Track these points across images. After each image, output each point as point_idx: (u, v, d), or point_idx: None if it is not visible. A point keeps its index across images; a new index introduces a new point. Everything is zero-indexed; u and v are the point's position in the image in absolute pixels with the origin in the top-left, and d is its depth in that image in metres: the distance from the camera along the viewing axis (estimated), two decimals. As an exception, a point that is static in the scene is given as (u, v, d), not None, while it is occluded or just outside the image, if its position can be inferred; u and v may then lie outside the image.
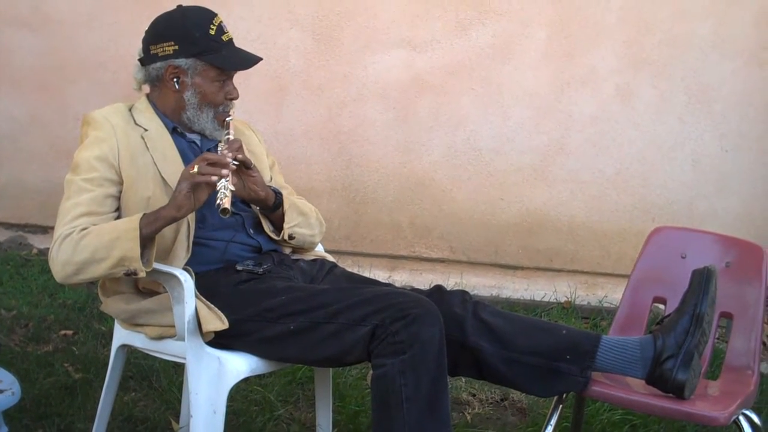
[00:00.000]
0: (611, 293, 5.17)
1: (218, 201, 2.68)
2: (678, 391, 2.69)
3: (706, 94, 5.30)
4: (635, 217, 5.42)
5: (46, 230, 5.62)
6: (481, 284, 5.38)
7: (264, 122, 5.41)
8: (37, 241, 5.67)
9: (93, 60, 5.63)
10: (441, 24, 5.40)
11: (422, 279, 5.24)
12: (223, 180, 2.70)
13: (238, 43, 3.06)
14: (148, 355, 3.08)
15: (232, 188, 2.73)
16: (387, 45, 5.45)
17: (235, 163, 2.82)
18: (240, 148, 2.90)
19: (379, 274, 5.20)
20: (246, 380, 3.58)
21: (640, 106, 5.37)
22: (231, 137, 2.94)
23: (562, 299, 5.26)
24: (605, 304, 5.13)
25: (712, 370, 3.46)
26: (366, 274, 4.07)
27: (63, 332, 4.42)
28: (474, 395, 4.00)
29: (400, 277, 5.35)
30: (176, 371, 3.84)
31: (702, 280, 2.76)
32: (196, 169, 2.69)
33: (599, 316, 5.03)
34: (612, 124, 5.39)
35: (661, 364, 2.70)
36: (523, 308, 5.08)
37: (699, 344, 2.71)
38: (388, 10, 5.42)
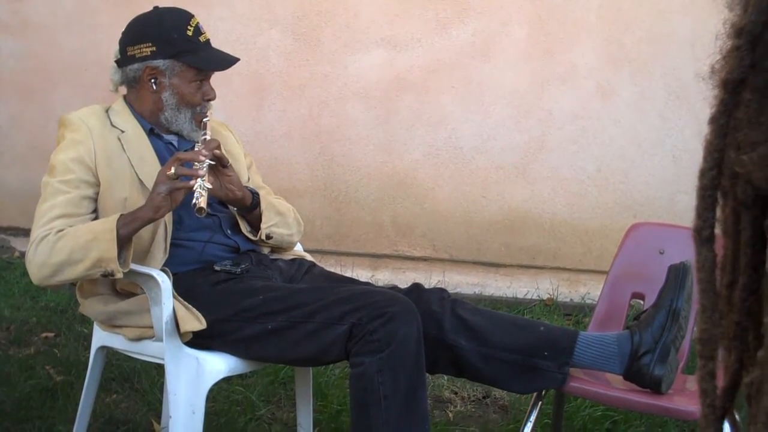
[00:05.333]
0: (593, 290, 5.18)
1: (194, 200, 2.68)
2: (655, 386, 2.71)
3: (685, 90, 5.32)
4: (616, 213, 5.43)
5: (28, 233, 5.58)
6: (464, 282, 5.39)
7: (245, 122, 5.41)
8: (18, 244, 5.66)
9: (73, 63, 5.62)
10: (421, 23, 5.41)
11: (405, 278, 5.24)
12: (199, 179, 2.70)
13: (218, 44, 3.07)
14: (129, 356, 3.09)
15: (209, 186, 2.73)
16: (367, 44, 5.45)
17: (212, 162, 2.82)
18: (217, 147, 2.90)
19: (362, 274, 5.21)
20: (228, 380, 3.60)
21: (621, 103, 5.38)
22: (208, 137, 2.95)
23: (545, 296, 5.28)
24: (587, 301, 5.15)
25: (693, 366, 3.47)
26: (348, 274, 4.09)
27: (45, 335, 4.42)
28: (456, 393, 4.00)
29: (383, 276, 5.35)
30: (158, 372, 3.84)
31: (678, 275, 2.78)
32: (172, 171, 2.69)
33: (581, 312, 5.04)
34: (593, 121, 5.41)
35: (638, 360, 2.71)
36: (506, 306, 5.09)
37: (675, 339, 2.72)
38: (368, 9, 5.42)
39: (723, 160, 0.93)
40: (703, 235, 0.95)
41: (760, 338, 0.91)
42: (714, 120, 0.92)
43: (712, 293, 0.95)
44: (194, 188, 2.70)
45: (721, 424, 0.98)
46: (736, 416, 2.74)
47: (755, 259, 0.93)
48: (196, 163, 2.76)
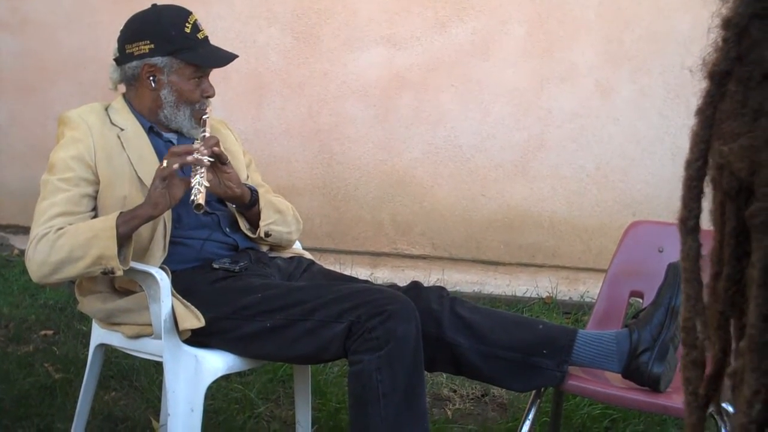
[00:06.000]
0: (593, 288, 5.18)
1: (192, 197, 2.68)
2: (654, 384, 2.71)
3: (685, 88, 5.31)
4: (616, 211, 5.43)
5: (27, 231, 5.58)
6: (463, 281, 5.39)
7: (244, 121, 5.41)
8: (18, 242, 5.66)
9: (73, 61, 5.62)
10: (420, 21, 5.41)
11: (404, 276, 5.24)
12: (197, 176, 2.71)
13: (217, 42, 3.07)
14: (128, 354, 3.09)
15: (207, 184, 2.73)
16: (366, 42, 5.45)
17: (211, 159, 2.82)
18: (216, 144, 2.90)
19: (361, 272, 5.20)
20: (226, 378, 3.60)
21: (620, 101, 5.38)
22: (207, 135, 2.95)
23: (544, 295, 5.27)
24: (587, 299, 5.15)
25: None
26: (348, 272, 4.08)
27: (44, 332, 4.42)
28: (455, 391, 4.00)
29: (382, 275, 5.35)
30: (157, 370, 3.83)
31: (677, 273, 2.77)
32: (165, 164, 2.70)
33: (581, 310, 5.04)
34: (592, 119, 5.41)
35: (637, 358, 2.71)
36: (505, 304, 5.08)
37: (674, 337, 2.72)
38: (367, 7, 5.42)
39: (709, 151, 0.94)
40: (688, 225, 0.96)
41: (743, 328, 0.92)
42: (700, 111, 0.93)
43: (696, 282, 0.96)
44: (192, 184, 2.70)
45: (704, 411, 0.99)
46: (728, 407, 2.75)
47: (739, 250, 0.94)
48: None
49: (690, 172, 0.95)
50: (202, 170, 2.74)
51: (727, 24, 0.91)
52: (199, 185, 2.70)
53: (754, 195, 0.90)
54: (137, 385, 3.83)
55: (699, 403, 0.98)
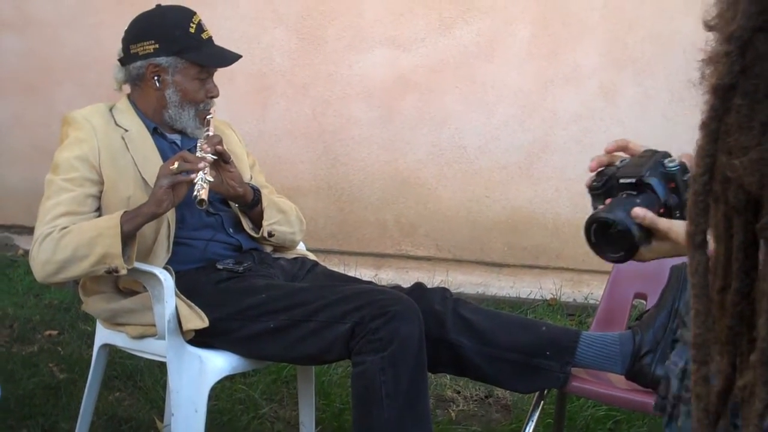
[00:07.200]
0: (596, 290, 5.16)
1: (195, 192, 2.69)
2: (657, 386, 2.70)
3: (689, 91, 5.26)
4: (620, 214, 5.41)
5: (31, 231, 5.58)
6: (468, 282, 5.39)
7: (248, 122, 5.42)
8: (22, 242, 5.66)
9: (77, 61, 5.62)
10: (425, 22, 5.41)
11: (408, 277, 5.23)
12: (200, 172, 2.71)
13: (222, 43, 3.09)
14: (133, 354, 3.09)
15: (210, 179, 2.74)
16: (371, 44, 5.45)
17: (214, 156, 2.83)
18: (219, 142, 2.91)
19: (366, 273, 5.20)
20: (230, 379, 3.61)
21: (624, 103, 5.38)
22: (210, 134, 2.95)
23: (548, 296, 5.27)
24: (591, 301, 5.14)
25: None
26: (352, 273, 4.09)
27: (48, 332, 4.42)
28: (458, 392, 4.00)
29: (387, 276, 5.35)
30: (161, 370, 3.83)
31: (680, 275, 2.78)
32: (176, 165, 2.70)
33: (585, 312, 5.03)
34: (596, 121, 5.40)
35: (640, 360, 2.71)
36: (509, 306, 5.08)
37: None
38: (372, 8, 5.42)
39: (715, 165, 0.93)
40: (696, 239, 0.95)
41: (752, 342, 0.92)
42: (705, 125, 0.92)
43: (706, 297, 0.95)
44: (195, 180, 2.71)
45: (715, 428, 0.99)
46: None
47: (747, 263, 0.93)
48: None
49: (696, 187, 0.94)
50: (206, 167, 2.75)
51: (728, 37, 0.90)
52: (203, 181, 2.71)
53: (764, 208, 0.89)
54: (141, 385, 3.84)
55: (710, 419, 0.98)
